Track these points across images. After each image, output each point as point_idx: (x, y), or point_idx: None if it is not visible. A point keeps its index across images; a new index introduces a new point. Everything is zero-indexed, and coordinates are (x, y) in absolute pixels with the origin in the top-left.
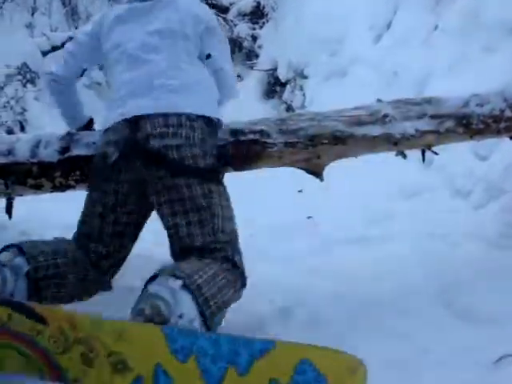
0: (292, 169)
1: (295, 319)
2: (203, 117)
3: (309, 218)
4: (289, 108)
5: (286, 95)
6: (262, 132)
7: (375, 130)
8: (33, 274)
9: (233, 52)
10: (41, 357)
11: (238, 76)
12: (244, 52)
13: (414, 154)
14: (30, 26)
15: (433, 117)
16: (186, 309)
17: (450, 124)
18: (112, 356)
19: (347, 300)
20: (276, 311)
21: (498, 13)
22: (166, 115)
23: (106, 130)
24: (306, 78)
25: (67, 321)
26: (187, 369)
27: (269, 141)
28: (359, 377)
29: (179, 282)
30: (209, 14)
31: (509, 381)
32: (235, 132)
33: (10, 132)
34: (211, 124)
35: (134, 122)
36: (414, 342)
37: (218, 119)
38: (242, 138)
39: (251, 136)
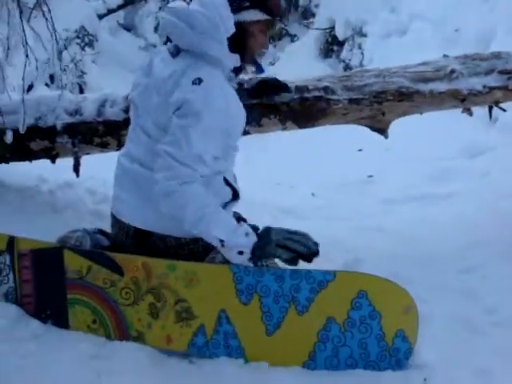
0: (351, 127)
1: None
2: None
3: (370, 176)
4: (347, 67)
5: (344, 54)
6: (326, 88)
7: (442, 86)
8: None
9: (288, 11)
10: (111, 313)
11: (294, 35)
12: (300, 11)
13: (478, 111)
14: None
15: (501, 72)
16: None
17: None
18: (179, 304)
19: (409, 258)
20: None
21: None
22: None
23: None
24: (364, 36)
25: (143, 268)
26: (249, 311)
27: (333, 97)
28: (411, 317)
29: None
30: None
31: None
32: (300, 89)
33: None
34: None
35: None
36: (479, 300)
37: None
38: (307, 94)
39: (316, 92)
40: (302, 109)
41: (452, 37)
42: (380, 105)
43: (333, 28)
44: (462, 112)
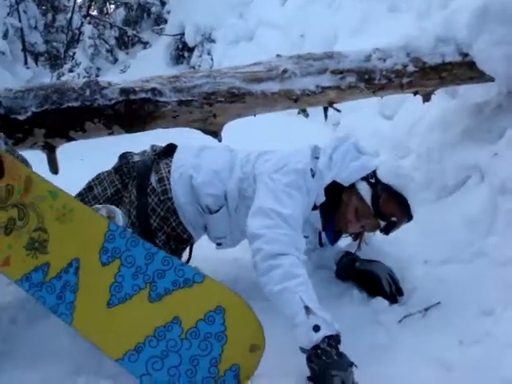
0: None
1: None
2: None
3: None
4: None
5: (194, 60)
6: (154, 90)
7: (274, 87)
8: None
9: (141, 18)
10: None
11: (147, 42)
12: (152, 18)
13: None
14: None
15: (334, 72)
16: None
17: (351, 79)
18: (38, 232)
19: None
20: None
21: None
22: None
23: None
24: (213, 41)
25: (25, 181)
26: (102, 274)
27: (162, 99)
28: (254, 357)
29: None
30: None
31: None
32: (125, 91)
33: None
34: None
35: None
36: None
37: None
38: (133, 96)
39: (142, 94)
40: (128, 112)
41: (298, 42)
42: (211, 107)
43: (183, 34)
44: (298, 113)
